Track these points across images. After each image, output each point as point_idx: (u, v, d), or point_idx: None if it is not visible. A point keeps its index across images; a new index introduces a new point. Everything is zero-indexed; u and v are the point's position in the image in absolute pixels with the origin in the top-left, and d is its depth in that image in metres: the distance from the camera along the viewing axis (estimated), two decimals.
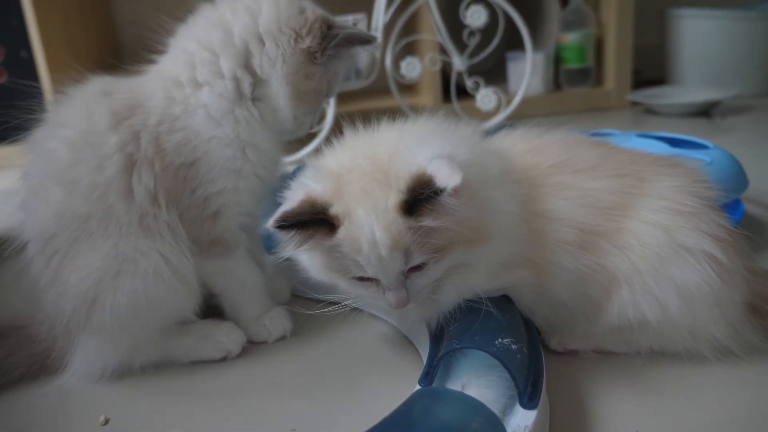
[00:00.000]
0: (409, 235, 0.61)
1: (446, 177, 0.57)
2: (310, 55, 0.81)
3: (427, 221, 0.60)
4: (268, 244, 0.94)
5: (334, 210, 0.62)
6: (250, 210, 0.84)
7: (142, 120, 0.78)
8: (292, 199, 0.64)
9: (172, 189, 0.78)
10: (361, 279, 0.66)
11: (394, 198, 0.61)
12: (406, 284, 0.65)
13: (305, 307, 0.84)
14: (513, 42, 2.13)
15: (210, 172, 0.79)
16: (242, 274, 0.85)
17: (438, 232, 0.61)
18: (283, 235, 0.63)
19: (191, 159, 0.78)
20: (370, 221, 0.61)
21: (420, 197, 0.59)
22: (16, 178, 0.81)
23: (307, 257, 0.69)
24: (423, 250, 0.62)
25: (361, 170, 0.64)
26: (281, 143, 0.88)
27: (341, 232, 0.62)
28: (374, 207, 0.61)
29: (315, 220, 0.62)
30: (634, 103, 2.27)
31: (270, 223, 0.62)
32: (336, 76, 0.87)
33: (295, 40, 0.80)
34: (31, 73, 1.95)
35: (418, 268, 0.64)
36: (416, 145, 0.64)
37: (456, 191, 0.58)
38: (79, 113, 0.78)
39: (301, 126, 0.86)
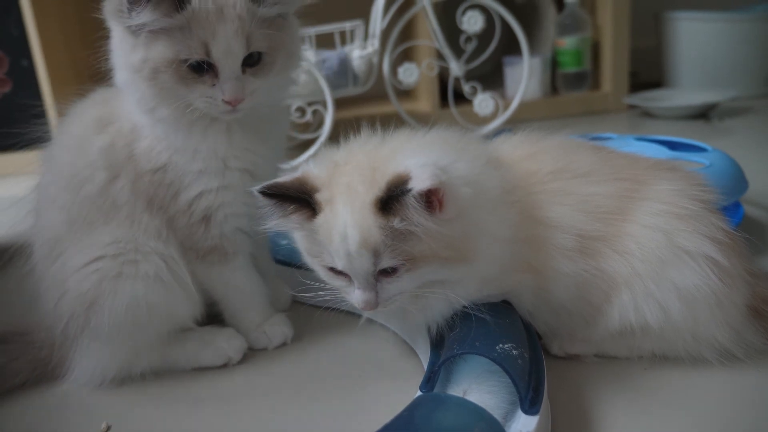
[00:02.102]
0: (379, 234, 0.61)
1: (420, 181, 0.58)
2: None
3: (395, 221, 0.60)
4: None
5: (320, 196, 0.64)
6: (244, 210, 0.80)
7: (118, 127, 0.79)
8: (289, 176, 0.67)
9: (153, 195, 0.78)
10: (335, 271, 0.66)
11: (371, 195, 0.61)
12: (376, 287, 0.64)
13: (304, 308, 0.83)
14: (510, 47, 2.14)
15: (184, 176, 0.78)
16: (241, 282, 0.85)
17: (411, 240, 0.61)
18: (264, 202, 0.65)
19: (161, 164, 0.78)
20: (345, 215, 0.61)
21: (392, 195, 0.59)
22: (29, 186, 0.83)
23: (297, 237, 0.70)
24: (393, 254, 0.61)
25: (354, 165, 0.65)
26: (261, 128, 0.80)
27: (320, 219, 0.63)
28: (352, 202, 0.62)
29: (299, 199, 0.64)
30: (632, 107, 2.27)
31: (257, 187, 0.64)
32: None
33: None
34: (32, 81, 1.97)
35: (389, 273, 0.63)
36: (414, 151, 0.64)
37: (425, 196, 0.58)
38: (75, 120, 0.81)
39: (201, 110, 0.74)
